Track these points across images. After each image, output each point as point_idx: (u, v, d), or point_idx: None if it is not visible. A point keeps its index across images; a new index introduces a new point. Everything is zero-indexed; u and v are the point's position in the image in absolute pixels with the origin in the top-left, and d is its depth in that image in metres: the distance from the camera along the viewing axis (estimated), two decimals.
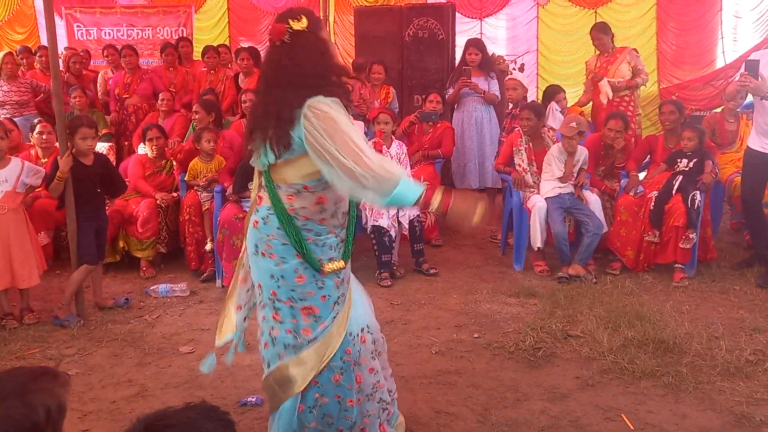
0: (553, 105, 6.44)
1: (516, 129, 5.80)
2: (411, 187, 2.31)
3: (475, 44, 6.94)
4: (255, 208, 2.60)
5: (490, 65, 6.91)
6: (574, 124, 5.28)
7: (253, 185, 2.70)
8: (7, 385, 1.55)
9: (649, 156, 5.73)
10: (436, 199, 2.35)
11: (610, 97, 6.64)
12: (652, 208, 5.16)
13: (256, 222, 2.56)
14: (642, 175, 5.60)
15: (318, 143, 2.30)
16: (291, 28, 2.40)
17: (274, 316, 2.57)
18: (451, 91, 6.74)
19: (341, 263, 2.56)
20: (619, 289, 4.87)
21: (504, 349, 3.93)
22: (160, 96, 6.70)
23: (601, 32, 6.78)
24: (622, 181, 5.61)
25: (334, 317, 2.55)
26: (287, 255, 2.50)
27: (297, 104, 2.35)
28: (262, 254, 2.55)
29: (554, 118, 6.25)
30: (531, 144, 5.59)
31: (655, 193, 5.21)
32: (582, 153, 5.40)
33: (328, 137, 2.29)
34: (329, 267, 2.52)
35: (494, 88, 6.78)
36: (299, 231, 2.48)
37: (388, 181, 2.27)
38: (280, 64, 2.44)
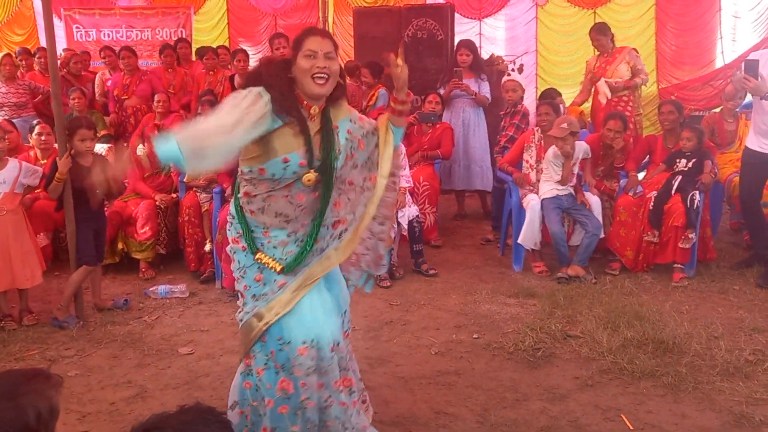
0: None
1: (527, 128, 5.84)
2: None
3: (467, 45, 6.84)
4: None
5: (481, 67, 6.85)
6: (565, 125, 5.27)
7: None
8: None
9: (648, 156, 5.73)
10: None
11: (609, 97, 6.63)
12: (651, 208, 5.16)
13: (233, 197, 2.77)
14: (641, 175, 5.60)
15: None
16: None
17: None
18: (442, 92, 6.71)
19: (275, 266, 2.58)
20: (619, 289, 4.87)
21: (503, 350, 3.93)
22: (156, 97, 6.65)
23: (599, 33, 6.78)
24: (621, 181, 5.61)
25: (251, 309, 2.62)
26: (229, 237, 2.72)
27: None
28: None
29: None
30: (543, 141, 5.57)
31: (654, 193, 5.21)
32: (581, 148, 5.39)
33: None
34: (260, 256, 2.60)
35: (485, 90, 6.71)
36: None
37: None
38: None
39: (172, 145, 2.20)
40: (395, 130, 2.77)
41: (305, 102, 2.54)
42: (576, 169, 5.36)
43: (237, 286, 2.73)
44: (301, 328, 2.56)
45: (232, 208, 2.72)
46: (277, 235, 2.61)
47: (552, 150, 5.36)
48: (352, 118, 2.70)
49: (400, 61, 2.60)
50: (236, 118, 2.34)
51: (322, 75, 2.48)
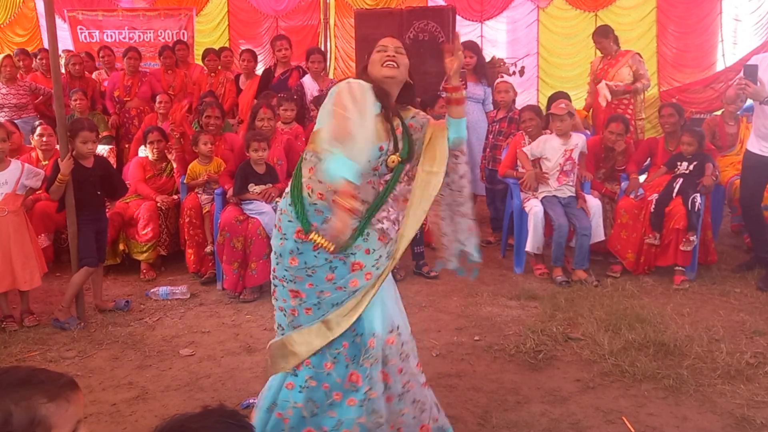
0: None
1: (519, 132, 5.81)
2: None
3: (470, 47, 6.73)
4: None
5: (484, 70, 6.79)
6: (563, 105, 5.34)
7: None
8: None
9: (649, 159, 5.74)
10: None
11: (609, 99, 6.62)
12: (652, 210, 5.16)
13: (286, 194, 2.70)
14: (642, 178, 5.60)
15: None
16: None
17: (272, 292, 2.71)
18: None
19: (328, 246, 2.53)
20: (620, 291, 4.87)
21: (504, 352, 3.93)
22: (158, 98, 6.71)
23: (601, 36, 6.76)
24: (622, 183, 5.61)
25: (323, 315, 2.60)
26: (288, 233, 2.61)
27: None
28: (275, 227, 2.71)
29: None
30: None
31: (655, 196, 5.21)
32: (580, 139, 5.41)
33: None
34: (314, 237, 2.54)
35: (489, 98, 6.68)
36: (305, 206, 2.58)
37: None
38: None
39: (340, 158, 2.32)
40: (453, 122, 2.71)
41: None
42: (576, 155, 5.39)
43: (293, 286, 2.61)
44: (378, 319, 2.61)
45: (285, 204, 2.66)
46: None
47: (545, 138, 5.40)
48: (415, 115, 2.79)
49: (458, 52, 2.72)
50: (360, 109, 2.46)
51: (391, 63, 2.64)
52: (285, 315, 2.68)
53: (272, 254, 2.71)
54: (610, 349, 3.85)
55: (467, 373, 3.69)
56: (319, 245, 2.55)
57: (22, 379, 1.47)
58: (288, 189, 2.68)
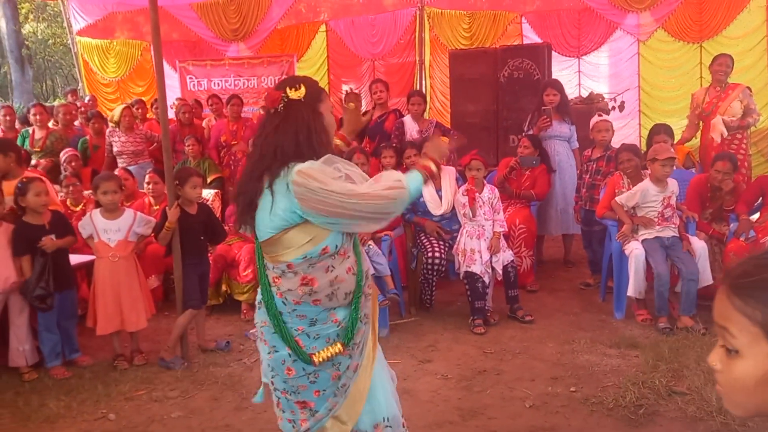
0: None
1: (617, 172, 5.63)
2: (416, 181, 2.35)
3: (554, 85, 6.61)
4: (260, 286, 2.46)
5: (568, 108, 6.63)
6: (672, 150, 5.11)
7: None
8: None
9: (761, 198, 5.40)
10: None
11: (725, 135, 6.33)
12: None
13: (260, 304, 2.44)
14: (754, 218, 5.28)
15: (320, 203, 2.18)
16: (287, 96, 2.32)
17: (276, 404, 2.50)
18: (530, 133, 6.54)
19: (337, 347, 2.34)
20: None
21: (602, 405, 3.76)
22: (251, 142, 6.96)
23: (730, 61, 6.52)
24: (731, 225, 5.30)
25: (330, 410, 2.40)
26: (278, 344, 2.38)
27: (277, 175, 2.25)
28: (260, 340, 2.46)
29: None
30: (631, 186, 5.40)
31: None
32: (674, 186, 5.18)
33: (326, 192, 2.17)
34: (320, 356, 2.32)
35: (575, 137, 6.54)
36: (287, 322, 2.35)
37: (402, 194, 2.27)
38: (269, 133, 2.33)
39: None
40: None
41: None
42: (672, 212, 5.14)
43: (299, 398, 2.39)
44: (372, 411, 2.47)
45: (263, 317, 2.40)
46: (329, 323, 2.37)
47: (640, 189, 5.17)
48: None
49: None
50: None
51: None
52: (294, 427, 2.44)
53: (264, 366, 2.48)
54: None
55: (562, 427, 3.56)
56: (326, 358, 2.33)
57: None
58: (259, 300, 2.43)
